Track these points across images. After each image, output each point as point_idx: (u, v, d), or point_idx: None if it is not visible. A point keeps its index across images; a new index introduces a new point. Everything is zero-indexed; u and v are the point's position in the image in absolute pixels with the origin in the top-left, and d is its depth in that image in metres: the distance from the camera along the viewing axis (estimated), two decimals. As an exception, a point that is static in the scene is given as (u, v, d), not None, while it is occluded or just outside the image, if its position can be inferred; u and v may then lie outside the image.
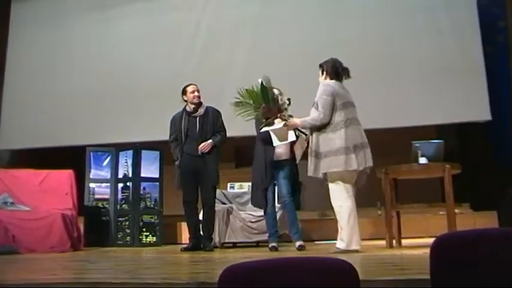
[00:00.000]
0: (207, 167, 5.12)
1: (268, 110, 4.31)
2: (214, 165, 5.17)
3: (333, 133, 4.11)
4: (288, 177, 4.86)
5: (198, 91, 5.25)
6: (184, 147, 5.21)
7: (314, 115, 4.18)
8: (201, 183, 5.19)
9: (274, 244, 4.93)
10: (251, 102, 4.34)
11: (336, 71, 4.33)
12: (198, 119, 5.21)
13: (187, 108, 5.27)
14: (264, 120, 4.42)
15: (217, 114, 5.27)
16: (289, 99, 4.52)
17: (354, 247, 4.10)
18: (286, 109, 4.48)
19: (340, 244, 4.14)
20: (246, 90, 4.34)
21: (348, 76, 4.36)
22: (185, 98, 5.27)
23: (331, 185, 4.20)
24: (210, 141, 5.14)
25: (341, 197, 4.15)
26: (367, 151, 4.18)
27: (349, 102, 4.23)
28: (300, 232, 4.92)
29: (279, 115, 4.37)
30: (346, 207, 4.12)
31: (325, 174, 4.16)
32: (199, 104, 5.24)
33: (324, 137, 4.14)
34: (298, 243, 4.77)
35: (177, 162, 5.24)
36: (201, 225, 5.23)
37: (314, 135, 4.22)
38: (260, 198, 4.90)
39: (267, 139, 4.58)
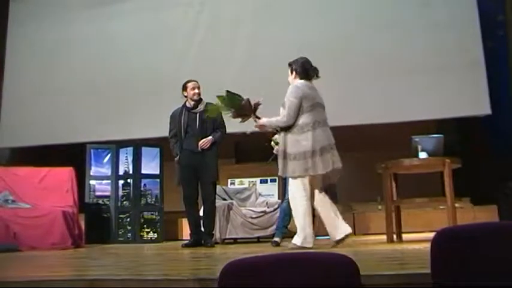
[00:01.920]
0: (207, 163, 5.13)
1: (237, 114, 4.40)
2: (214, 161, 5.18)
3: (300, 135, 4.12)
4: None
5: (199, 88, 5.24)
6: (184, 144, 5.21)
7: (279, 117, 4.22)
8: (201, 180, 5.19)
9: (276, 239, 4.98)
10: (223, 106, 4.48)
11: (306, 71, 4.32)
12: (198, 115, 5.21)
13: (187, 104, 5.26)
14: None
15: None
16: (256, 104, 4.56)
17: (307, 245, 4.10)
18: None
19: (296, 240, 4.15)
20: (217, 96, 4.46)
21: (317, 76, 4.36)
22: (185, 94, 5.27)
23: (291, 181, 4.22)
24: (211, 137, 5.15)
25: (300, 196, 4.17)
26: (335, 153, 4.19)
27: (317, 104, 4.23)
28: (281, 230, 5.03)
29: (252, 116, 4.41)
30: (302, 206, 4.15)
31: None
32: (199, 101, 5.24)
33: (292, 138, 4.16)
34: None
35: (176, 158, 5.24)
36: (202, 221, 5.24)
37: (282, 135, 4.25)
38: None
39: None
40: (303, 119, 4.14)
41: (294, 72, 4.36)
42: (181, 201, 5.30)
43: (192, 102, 5.23)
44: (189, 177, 5.17)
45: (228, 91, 4.39)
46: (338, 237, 4.21)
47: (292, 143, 4.15)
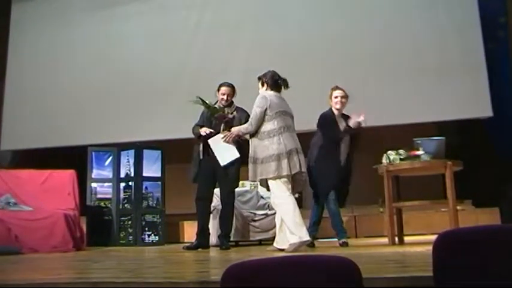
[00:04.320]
0: (227, 171, 5.04)
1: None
2: (235, 169, 5.07)
3: (268, 140, 4.34)
4: None
5: (229, 95, 5.17)
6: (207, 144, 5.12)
7: (245, 125, 4.62)
8: (219, 184, 5.18)
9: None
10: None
11: (275, 82, 4.56)
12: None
13: (217, 107, 5.20)
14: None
15: (245, 115, 5.04)
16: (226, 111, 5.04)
17: (306, 238, 4.15)
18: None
19: (293, 238, 4.14)
20: (200, 98, 5.00)
21: (287, 86, 4.59)
22: (217, 95, 5.25)
23: (271, 184, 4.37)
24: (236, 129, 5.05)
25: (283, 195, 4.28)
26: (302, 157, 4.39)
27: (284, 112, 4.46)
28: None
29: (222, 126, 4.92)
30: (289, 203, 4.24)
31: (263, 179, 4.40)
32: (228, 105, 5.19)
33: (260, 144, 4.39)
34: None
35: (195, 155, 5.17)
36: (218, 224, 5.24)
37: (251, 142, 4.50)
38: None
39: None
40: (270, 125, 4.38)
41: (265, 85, 4.60)
42: (182, 203, 5.29)
43: (221, 106, 5.19)
44: (206, 179, 5.11)
45: (199, 98, 4.91)
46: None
47: (260, 149, 4.38)
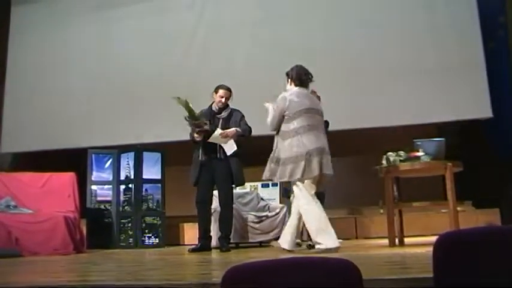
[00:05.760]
0: (224, 168, 5.09)
1: (189, 120, 5.00)
2: (235, 167, 5.11)
3: (288, 140, 4.26)
4: None
5: (227, 98, 5.24)
6: (206, 145, 5.17)
7: (239, 129, 4.79)
8: (217, 186, 5.20)
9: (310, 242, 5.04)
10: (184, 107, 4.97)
11: (299, 77, 4.47)
12: (221, 120, 5.24)
13: (213, 108, 5.28)
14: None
15: (240, 115, 5.25)
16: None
17: (333, 245, 4.07)
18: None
19: (321, 242, 4.11)
20: (178, 98, 4.96)
21: (311, 80, 4.50)
22: (214, 97, 5.29)
23: (294, 187, 4.32)
24: (234, 129, 5.12)
25: (307, 199, 4.21)
26: (327, 157, 4.24)
27: (308, 109, 4.33)
28: None
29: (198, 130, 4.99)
30: (314, 208, 4.19)
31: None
32: (223, 108, 5.26)
33: (282, 144, 4.30)
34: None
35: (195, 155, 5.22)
36: (218, 226, 5.26)
37: (275, 140, 4.42)
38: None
39: None
40: (290, 125, 4.29)
41: (289, 80, 4.52)
42: (182, 206, 5.30)
43: (217, 107, 5.25)
44: (205, 181, 5.15)
45: (185, 100, 4.91)
46: (282, 246, 4.27)
47: (282, 149, 4.28)
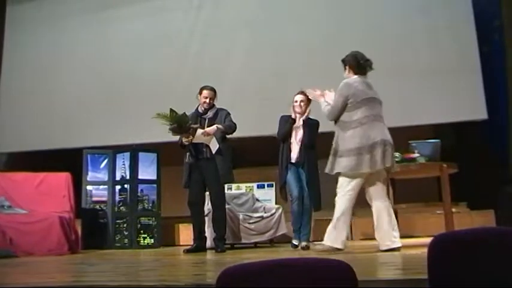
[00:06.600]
0: (212, 167, 5.11)
1: (176, 129, 4.96)
2: (221, 164, 5.10)
3: (349, 131, 4.05)
4: (298, 180, 4.96)
5: (211, 98, 5.26)
6: (192, 147, 5.19)
7: (329, 106, 4.21)
8: (207, 184, 5.20)
9: (294, 242, 5.04)
10: (166, 120, 4.95)
11: (358, 64, 4.22)
12: (206, 120, 5.25)
13: (199, 109, 5.31)
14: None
15: (225, 113, 5.27)
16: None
17: (338, 246, 4.06)
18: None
19: (325, 240, 4.11)
20: (158, 114, 4.93)
21: (371, 68, 4.25)
22: (198, 98, 5.31)
23: (339, 178, 4.16)
24: (215, 126, 5.11)
25: (342, 193, 4.13)
26: (388, 149, 4.05)
27: (370, 99, 4.11)
28: (308, 234, 5.04)
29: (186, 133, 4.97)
30: (341, 205, 4.10)
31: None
32: (210, 108, 5.28)
33: (342, 135, 4.10)
34: (304, 243, 4.92)
35: (185, 160, 5.23)
36: (212, 227, 5.27)
37: (335, 132, 4.20)
38: (281, 193, 5.11)
39: (286, 138, 5.03)
40: (351, 116, 4.06)
41: (347, 68, 4.28)
42: (178, 206, 5.30)
43: (203, 108, 5.27)
44: (195, 182, 5.17)
45: (172, 109, 4.91)
46: (381, 248, 4.12)
47: (341, 140, 4.09)
